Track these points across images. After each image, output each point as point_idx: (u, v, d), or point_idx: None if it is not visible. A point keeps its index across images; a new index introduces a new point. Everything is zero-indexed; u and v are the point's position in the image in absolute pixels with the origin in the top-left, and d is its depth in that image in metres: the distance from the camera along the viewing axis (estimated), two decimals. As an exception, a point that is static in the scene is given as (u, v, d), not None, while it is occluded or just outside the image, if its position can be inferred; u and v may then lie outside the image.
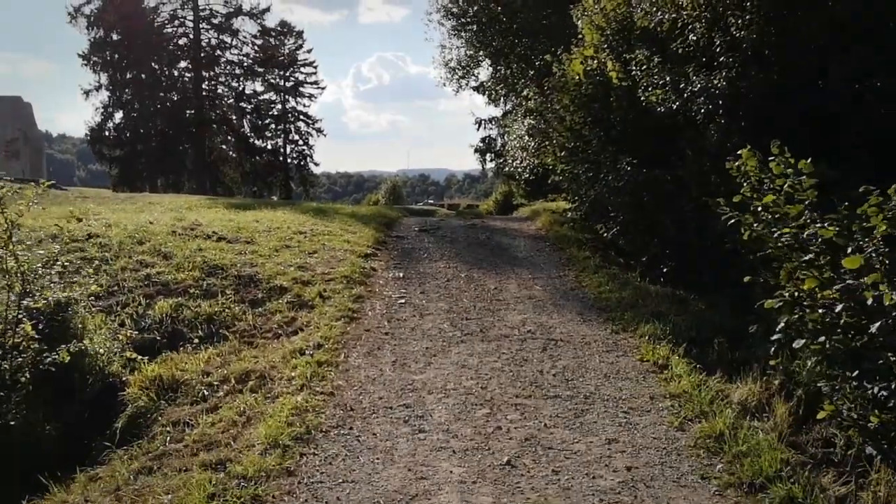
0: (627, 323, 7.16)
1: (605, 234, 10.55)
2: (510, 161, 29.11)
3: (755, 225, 4.72)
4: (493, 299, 8.23)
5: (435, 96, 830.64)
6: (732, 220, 4.83)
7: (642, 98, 8.90)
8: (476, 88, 29.08)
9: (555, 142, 11.41)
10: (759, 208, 4.72)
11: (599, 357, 6.24)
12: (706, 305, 7.88)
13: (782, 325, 4.36)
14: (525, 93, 23.95)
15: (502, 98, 28.51)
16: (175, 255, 8.89)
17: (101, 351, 6.23)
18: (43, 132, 56.01)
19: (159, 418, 5.29)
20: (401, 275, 9.26)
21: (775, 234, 4.55)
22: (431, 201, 59.83)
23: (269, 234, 10.70)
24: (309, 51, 56.81)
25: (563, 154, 11.16)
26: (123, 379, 6.05)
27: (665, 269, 9.01)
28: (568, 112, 10.80)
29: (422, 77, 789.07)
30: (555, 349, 6.45)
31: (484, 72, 27.51)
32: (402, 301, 8.04)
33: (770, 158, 4.64)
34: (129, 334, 6.61)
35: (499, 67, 23.89)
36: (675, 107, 8.35)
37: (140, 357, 6.24)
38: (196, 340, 6.87)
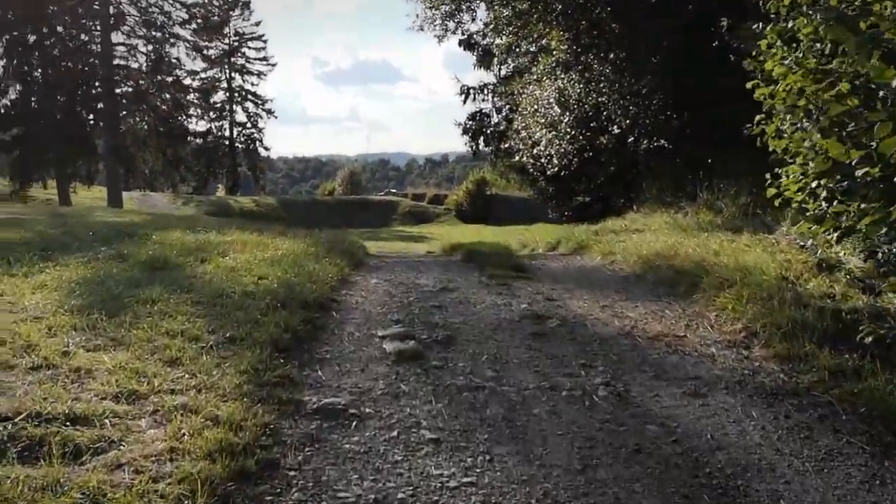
0: None
1: None
2: (521, 146, 19.50)
3: None
4: None
5: (394, 80, 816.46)
6: None
7: None
8: (464, 42, 21.51)
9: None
10: None
11: None
12: None
13: None
14: (549, 40, 15.89)
15: (496, 56, 20.76)
16: None
17: None
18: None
19: None
20: None
21: None
22: (394, 191, 53.53)
23: None
24: (257, 23, 49.15)
25: None
26: None
27: None
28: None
29: (382, 61, 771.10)
30: None
31: (481, 12, 19.63)
32: None
33: None
34: None
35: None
36: None
37: None
38: None
